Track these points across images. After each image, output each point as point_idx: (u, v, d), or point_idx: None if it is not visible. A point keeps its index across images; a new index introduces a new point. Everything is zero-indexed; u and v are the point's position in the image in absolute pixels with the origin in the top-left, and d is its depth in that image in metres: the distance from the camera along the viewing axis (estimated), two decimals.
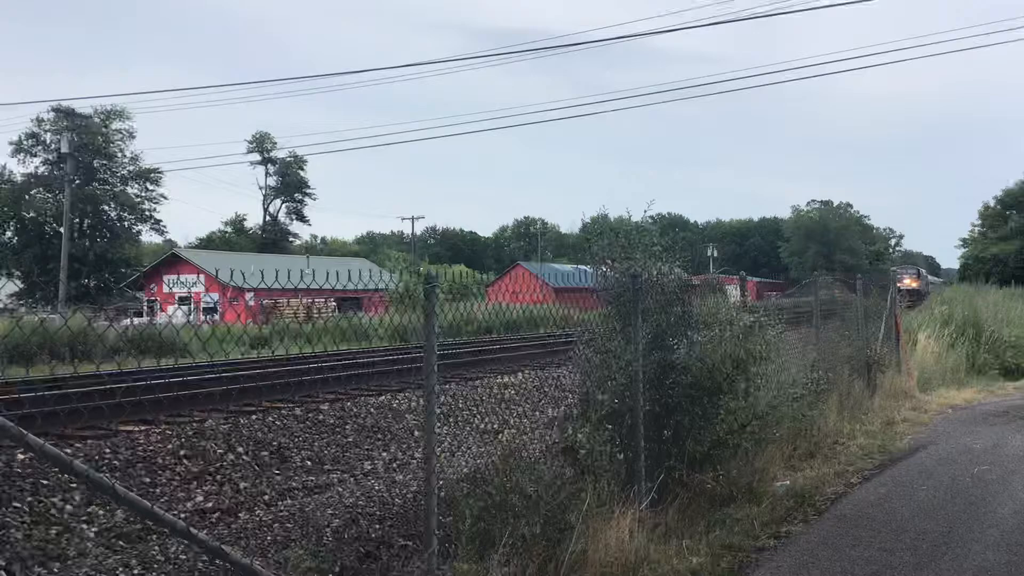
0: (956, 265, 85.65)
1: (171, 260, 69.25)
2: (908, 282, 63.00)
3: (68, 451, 8.66)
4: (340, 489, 9.02)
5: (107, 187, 71.74)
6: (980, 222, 76.99)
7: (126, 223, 73.11)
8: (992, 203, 76.04)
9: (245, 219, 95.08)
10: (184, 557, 6.76)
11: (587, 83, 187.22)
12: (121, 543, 7.47)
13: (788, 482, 9.68)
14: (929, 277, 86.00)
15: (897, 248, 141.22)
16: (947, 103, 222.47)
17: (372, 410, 12.84)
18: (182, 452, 9.84)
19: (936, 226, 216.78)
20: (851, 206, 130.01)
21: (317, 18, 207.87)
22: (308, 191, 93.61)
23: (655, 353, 8.60)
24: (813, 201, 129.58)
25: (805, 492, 9.31)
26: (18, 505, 7.89)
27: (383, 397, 13.86)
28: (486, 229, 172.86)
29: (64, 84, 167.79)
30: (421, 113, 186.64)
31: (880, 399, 15.38)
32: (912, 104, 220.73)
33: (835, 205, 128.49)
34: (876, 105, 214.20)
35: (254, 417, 11.62)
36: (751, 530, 7.95)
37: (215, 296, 62.76)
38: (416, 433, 11.84)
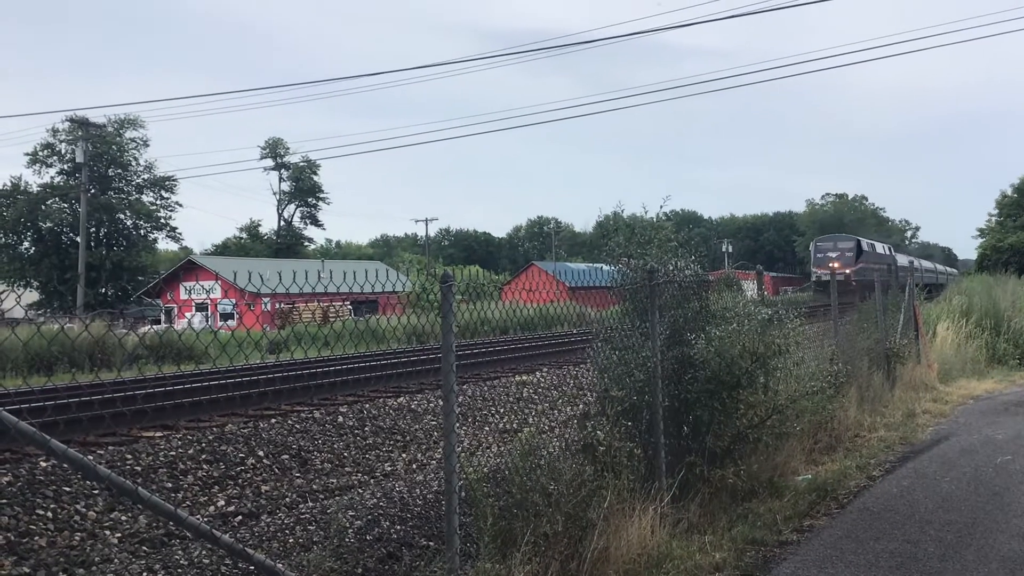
0: (974, 256, 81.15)
1: (187, 267, 69.61)
2: (835, 267, 45.60)
3: (91, 457, 8.71)
4: (361, 491, 9.03)
5: (122, 196, 72.25)
6: (997, 211, 76.17)
7: (142, 231, 73.62)
8: (1009, 192, 75.34)
9: (260, 225, 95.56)
10: (207, 561, 6.78)
11: (600, 81, 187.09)
12: (144, 548, 7.51)
13: (810, 476, 9.64)
14: (911, 262, 64.83)
15: (913, 240, 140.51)
16: (962, 93, 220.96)
17: (391, 411, 12.85)
18: (203, 457, 9.88)
19: (953, 217, 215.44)
20: (866, 199, 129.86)
21: (328, 23, 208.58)
22: (322, 195, 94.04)
23: (673, 348, 8.58)
24: (828, 194, 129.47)
25: (827, 486, 9.27)
26: (42, 512, 7.93)
27: (401, 398, 13.87)
28: (500, 229, 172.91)
29: (77, 94, 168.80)
30: (433, 115, 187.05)
31: (900, 391, 15.29)
32: (927, 95, 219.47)
33: (850, 198, 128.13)
34: (890, 97, 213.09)
35: (274, 421, 11.66)
36: (774, 524, 7.93)
37: (232, 301, 63.02)
38: (435, 434, 11.85)
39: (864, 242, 54.77)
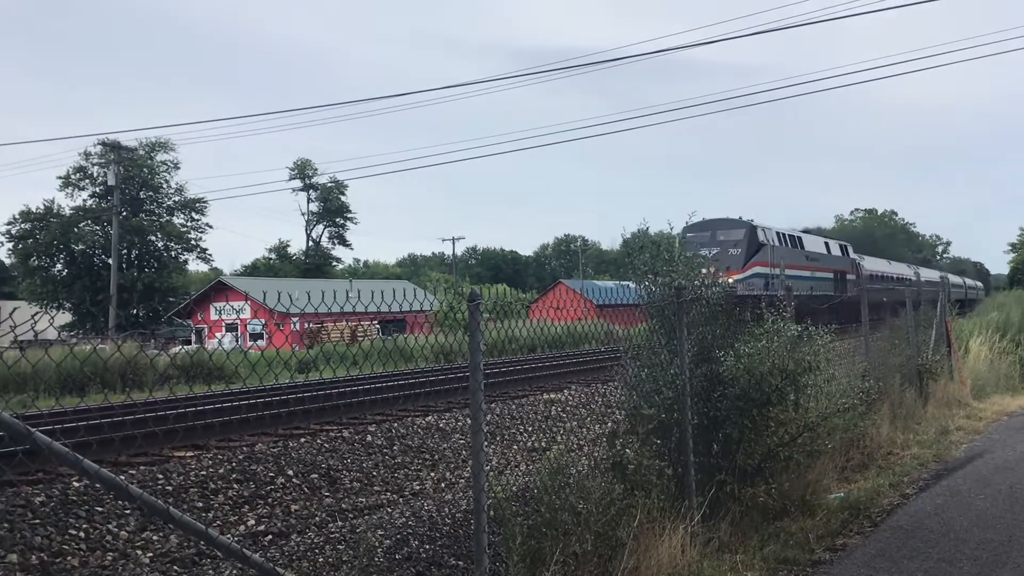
0: (1007, 270, 79.16)
1: (218, 287, 70.18)
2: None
3: (123, 477, 8.78)
4: (390, 510, 9.04)
5: (154, 218, 73.08)
6: None
7: (172, 252, 74.34)
8: None
9: (289, 245, 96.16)
10: None
11: (625, 99, 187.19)
12: (176, 568, 7.55)
13: (842, 494, 9.54)
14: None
15: (944, 255, 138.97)
16: (995, 107, 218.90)
17: (419, 430, 12.86)
18: (233, 476, 9.93)
19: (985, 232, 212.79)
20: (896, 214, 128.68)
21: (355, 45, 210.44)
22: (349, 215, 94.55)
23: (702, 366, 8.54)
24: (857, 210, 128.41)
25: (860, 504, 9.18)
26: (74, 532, 8.00)
27: (430, 417, 13.88)
28: (527, 248, 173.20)
29: (110, 118, 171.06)
30: (461, 134, 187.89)
31: (933, 408, 15.13)
32: (958, 108, 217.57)
33: (879, 213, 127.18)
34: (921, 111, 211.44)
35: (303, 440, 11.70)
36: (806, 543, 7.85)
37: (261, 321, 63.38)
38: (463, 453, 11.84)
39: (766, 232, 36.13)
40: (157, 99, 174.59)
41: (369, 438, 12.10)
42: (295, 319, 55.26)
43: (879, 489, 9.91)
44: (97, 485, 6.44)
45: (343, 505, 9.59)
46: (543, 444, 11.13)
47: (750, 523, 8.20)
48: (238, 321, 65.24)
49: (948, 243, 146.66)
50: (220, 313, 67.64)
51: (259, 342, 55.98)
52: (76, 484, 8.88)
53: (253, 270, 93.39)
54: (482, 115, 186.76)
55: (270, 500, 9.53)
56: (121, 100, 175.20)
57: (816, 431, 9.06)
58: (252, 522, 8.87)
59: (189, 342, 58.17)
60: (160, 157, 73.06)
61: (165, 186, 74.04)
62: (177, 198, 74.62)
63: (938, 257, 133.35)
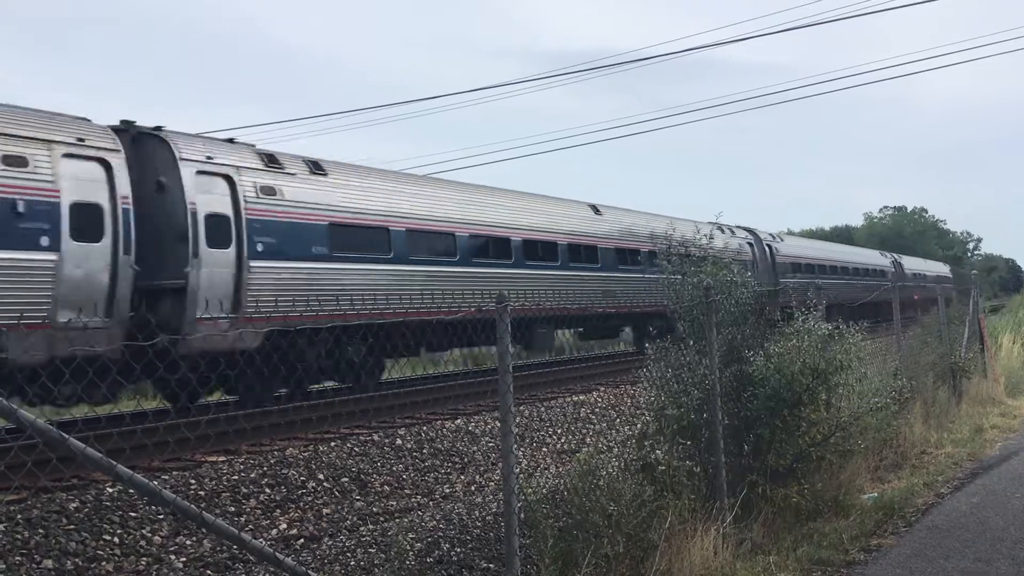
0: None
1: None
2: None
3: (156, 482, 8.85)
4: (420, 513, 9.06)
5: None
6: None
7: None
8: None
9: None
10: None
11: (654, 99, 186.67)
12: (209, 572, 7.60)
13: (876, 494, 9.46)
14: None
15: (976, 252, 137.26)
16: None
17: (448, 433, 12.87)
18: (265, 480, 9.98)
19: (1019, 228, 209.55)
20: (926, 211, 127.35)
21: (376, 50, 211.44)
22: None
23: (731, 365, 8.50)
24: (886, 207, 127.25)
25: (894, 504, 9.08)
26: (108, 537, 8.07)
27: (459, 420, 13.89)
28: None
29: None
30: (484, 138, 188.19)
31: (967, 406, 14.98)
32: (988, 103, 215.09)
33: (909, 210, 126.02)
34: (950, 106, 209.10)
35: (333, 444, 11.74)
36: (840, 544, 7.78)
37: None
38: (493, 456, 11.83)
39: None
40: (165, 102, 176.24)
41: (399, 442, 12.12)
42: None
43: (913, 489, 9.81)
44: (131, 490, 6.51)
45: (374, 508, 9.61)
46: (573, 446, 11.13)
47: (783, 524, 8.15)
48: None
49: (979, 239, 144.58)
50: None
51: None
52: (110, 490, 8.96)
53: None
54: (505, 119, 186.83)
55: (301, 504, 9.58)
56: (146, 109, 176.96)
57: (848, 431, 9.00)
58: (284, 526, 8.92)
59: None
60: None
61: None
62: None
63: (969, 254, 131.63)
